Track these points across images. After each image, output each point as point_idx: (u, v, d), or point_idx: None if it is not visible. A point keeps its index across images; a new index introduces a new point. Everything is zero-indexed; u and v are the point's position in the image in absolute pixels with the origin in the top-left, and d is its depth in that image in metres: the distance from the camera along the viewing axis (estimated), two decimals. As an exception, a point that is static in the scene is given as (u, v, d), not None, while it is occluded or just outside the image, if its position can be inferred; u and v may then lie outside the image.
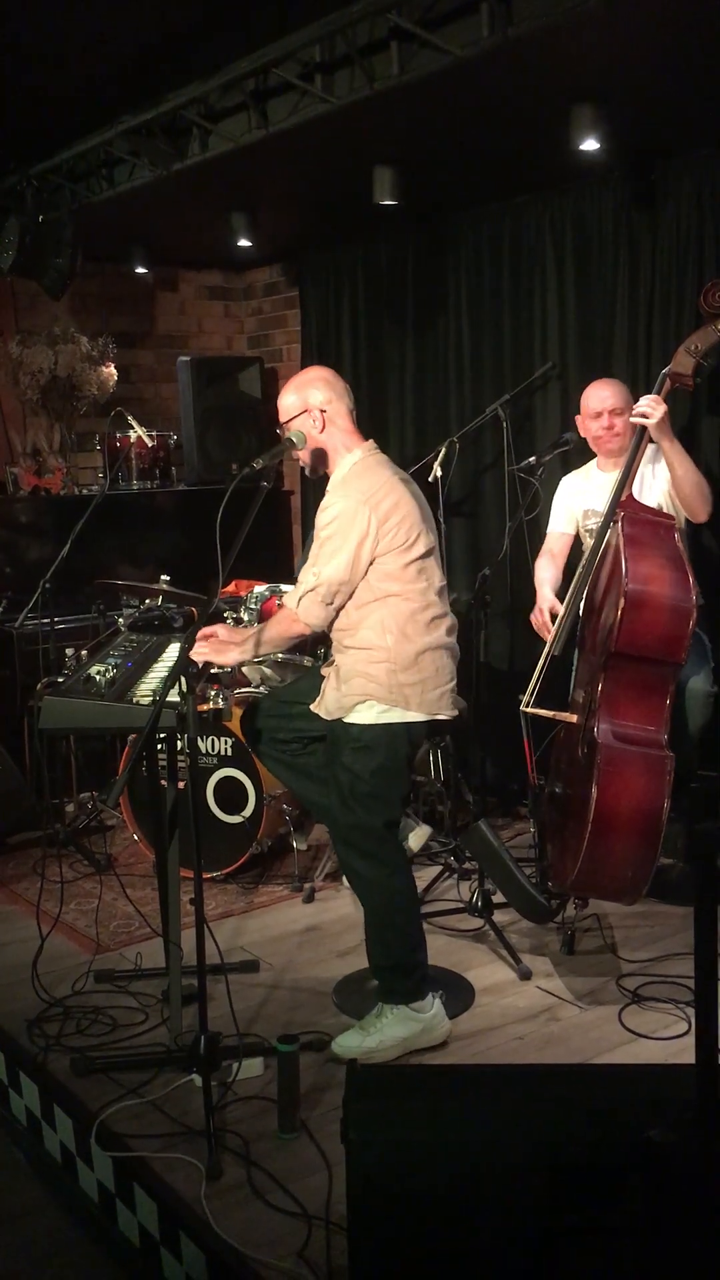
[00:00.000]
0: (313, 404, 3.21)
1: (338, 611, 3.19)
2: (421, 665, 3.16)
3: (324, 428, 3.23)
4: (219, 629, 3.28)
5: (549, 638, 3.91)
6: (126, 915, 4.15)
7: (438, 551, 3.28)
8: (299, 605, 3.18)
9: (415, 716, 3.17)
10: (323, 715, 3.24)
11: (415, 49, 3.30)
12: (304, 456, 3.28)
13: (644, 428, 3.74)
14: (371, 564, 3.12)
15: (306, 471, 3.34)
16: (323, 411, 3.21)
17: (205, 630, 3.20)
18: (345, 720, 3.18)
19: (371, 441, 3.31)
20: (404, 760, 3.23)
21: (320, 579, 3.13)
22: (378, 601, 3.15)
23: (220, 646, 3.22)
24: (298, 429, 3.21)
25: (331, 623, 3.22)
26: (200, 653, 3.14)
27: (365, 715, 3.15)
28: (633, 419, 3.77)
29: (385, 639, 3.14)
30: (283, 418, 3.26)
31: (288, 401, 3.25)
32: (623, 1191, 1.97)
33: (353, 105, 3.54)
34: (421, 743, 3.48)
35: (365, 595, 3.16)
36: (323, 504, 3.21)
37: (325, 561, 3.13)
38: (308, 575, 3.17)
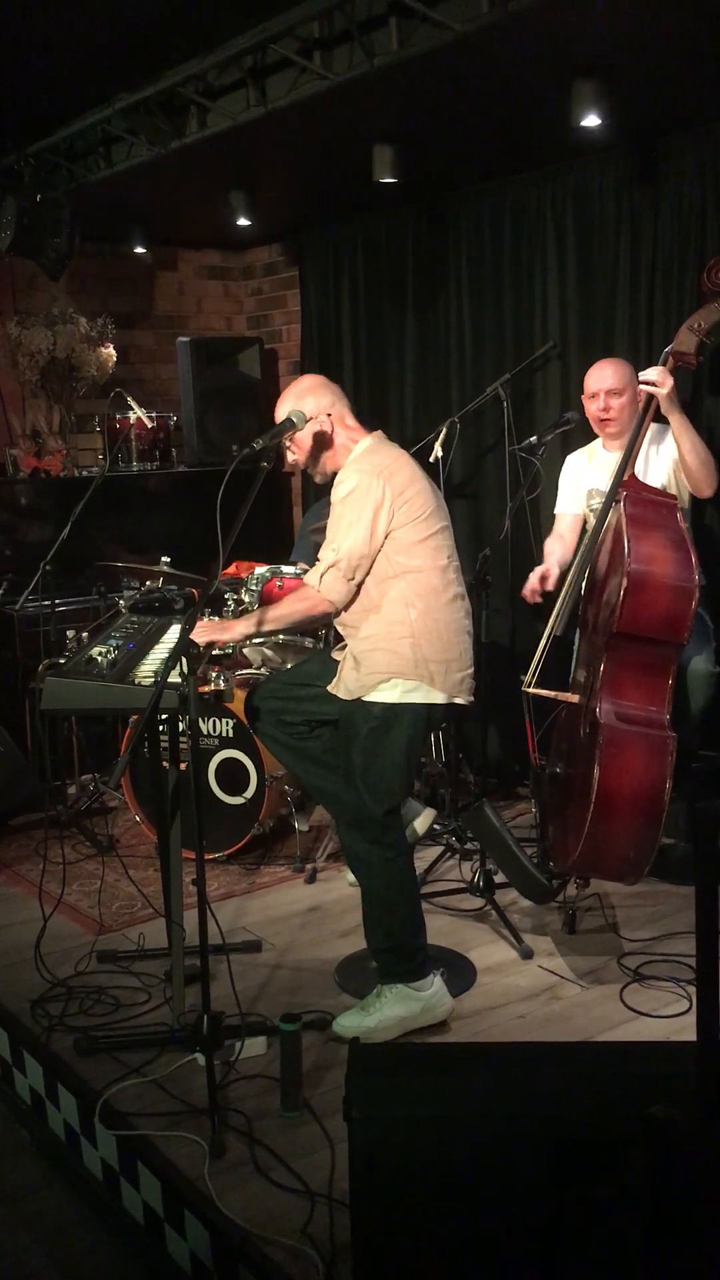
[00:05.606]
0: (319, 409, 3.20)
1: (359, 588, 3.17)
2: (447, 644, 3.15)
3: (333, 429, 3.22)
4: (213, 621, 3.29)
5: (548, 611, 3.90)
6: (129, 896, 4.17)
7: (451, 534, 3.27)
8: (321, 582, 3.14)
9: (437, 697, 3.15)
10: (342, 696, 3.22)
11: (415, 25, 3.28)
12: (304, 458, 3.26)
13: (649, 404, 3.72)
14: (389, 536, 3.10)
15: (315, 477, 3.32)
16: (329, 415, 3.21)
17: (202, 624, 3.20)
18: (365, 700, 3.16)
19: (379, 432, 3.31)
20: (418, 743, 3.23)
21: (340, 554, 3.11)
22: (398, 577, 3.13)
23: (224, 624, 3.22)
24: (308, 431, 3.19)
25: (351, 602, 3.19)
26: (202, 631, 3.14)
27: (388, 694, 3.13)
28: (641, 386, 3.74)
29: (409, 613, 3.12)
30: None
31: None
32: (625, 1167, 1.98)
33: (352, 82, 3.52)
34: (438, 726, 3.45)
35: (386, 571, 3.13)
36: (337, 480, 3.19)
37: (344, 536, 3.10)
38: (327, 551, 3.14)
